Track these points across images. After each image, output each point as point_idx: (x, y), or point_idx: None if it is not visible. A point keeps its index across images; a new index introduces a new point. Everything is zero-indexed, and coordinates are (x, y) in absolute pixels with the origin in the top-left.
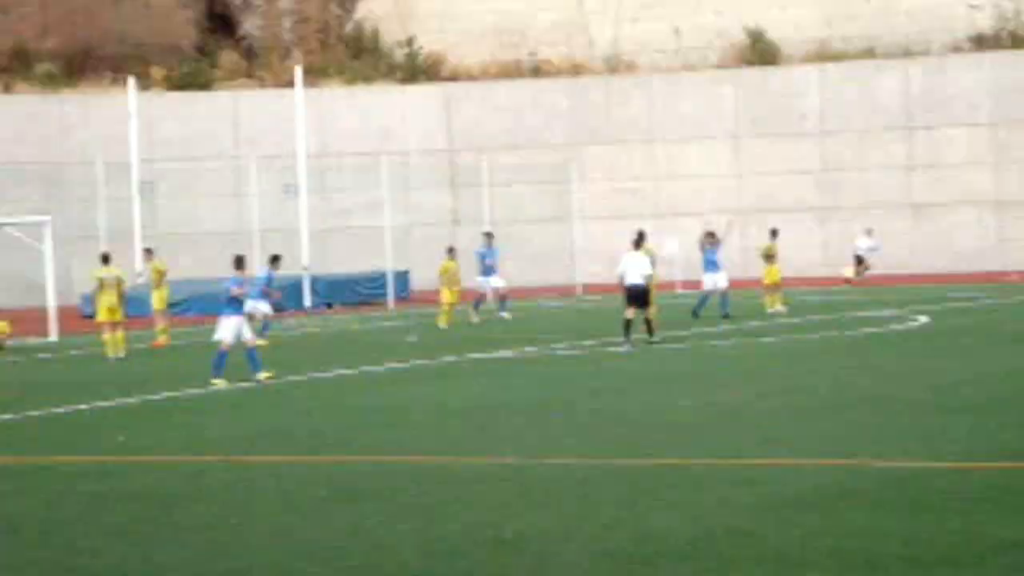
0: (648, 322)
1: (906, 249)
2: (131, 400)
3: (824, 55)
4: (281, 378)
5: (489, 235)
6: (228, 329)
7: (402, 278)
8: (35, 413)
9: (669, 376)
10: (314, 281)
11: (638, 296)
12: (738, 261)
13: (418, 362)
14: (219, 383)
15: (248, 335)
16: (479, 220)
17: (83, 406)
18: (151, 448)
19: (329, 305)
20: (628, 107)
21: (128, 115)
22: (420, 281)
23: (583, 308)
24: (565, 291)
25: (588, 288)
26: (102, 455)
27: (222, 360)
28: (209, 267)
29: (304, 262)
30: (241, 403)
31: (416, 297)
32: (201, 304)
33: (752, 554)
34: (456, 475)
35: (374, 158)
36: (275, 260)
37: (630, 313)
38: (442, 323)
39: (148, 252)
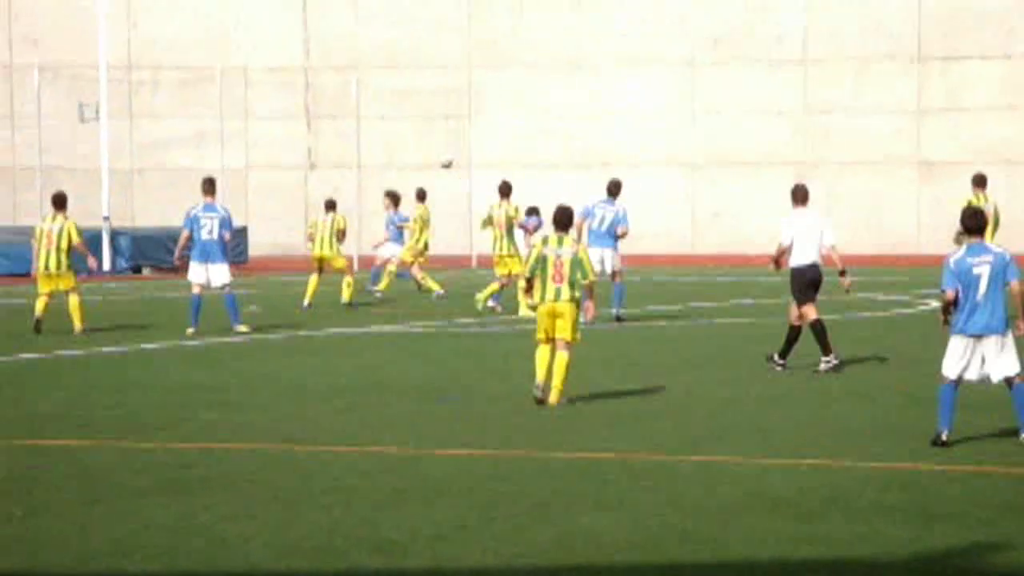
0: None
1: (912, 218)
2: None
3: None
4: (84, 349)
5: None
6: None
7: (238, 236)
8: None
9: (606, 360)
10: (116, 236)
11: (815, 284)
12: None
13: (266, 336)
14: None
15: None
16: (342, 163)
17: None
18: None
19: (136, 269)
20: (545, 18)
21: None
22: (261, 242)
23: (482, 281)
24: (457, 262)
25: (486, 259)
26: None
27: None
28: None
29: (104, 211)
30: (26, 378)
31: (257, 263)
32: None
33: (708, 561)
34: (319, 466)
35: (202, 74)
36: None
37: (813, 312)
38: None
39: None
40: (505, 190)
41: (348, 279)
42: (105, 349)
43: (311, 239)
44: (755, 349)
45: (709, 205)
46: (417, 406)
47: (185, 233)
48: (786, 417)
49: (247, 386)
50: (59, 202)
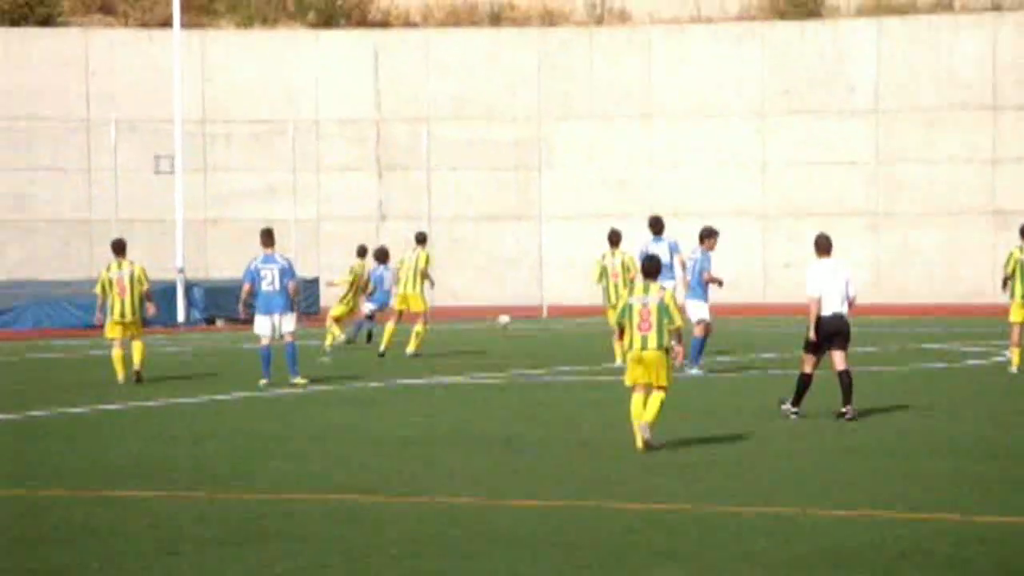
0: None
1: (987, 268)
2: None
3: (884, 6)
4: (159, 400)
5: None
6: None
7: (309, 287)
8: None
9: (679, 406)
10: (190, 288)
11: (836, 335)
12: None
13: (336, 387)
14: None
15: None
16: (412, 215)
17: None
18: None
19: (210, 320)
20: (617, 70)
21: None
22: (332, 293)
23: (553, 332)
24: (526, 312)
25: (556, 309)
26: None
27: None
28: (45, 265)
29: (178, 262)
30: (102, 429)
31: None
32: (35, 314)
33: None
34: (391, 516)
35: (275, 127)
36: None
37: (809, 365)
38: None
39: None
40: (615, 239)
41: (419, 328)
42: (179, 400)
43: (395, 278)
44: (826, 401)
45: (780, 255)
46: (488, 456)
47: (246, 286)
48: (860, 468)
49: (319, 437)
50: (120, 248)
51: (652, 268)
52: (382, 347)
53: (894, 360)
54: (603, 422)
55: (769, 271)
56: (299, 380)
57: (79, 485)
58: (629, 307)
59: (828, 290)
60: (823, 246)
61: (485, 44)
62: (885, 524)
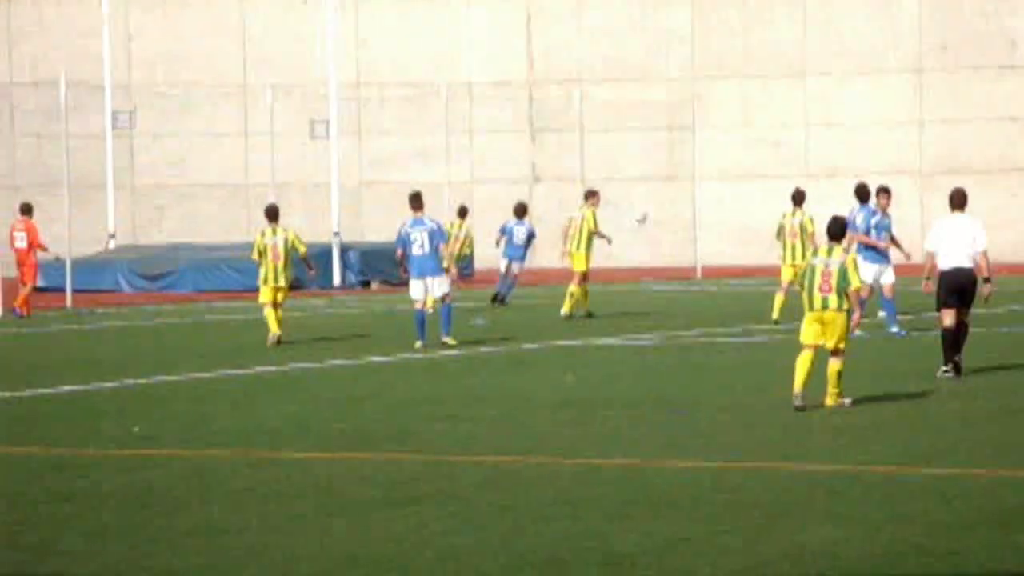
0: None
1: None
2: (111, 384)
3: None
4: (316, 363)
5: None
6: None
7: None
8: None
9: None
10: (346, 251)
11: (962, 290)
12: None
13: (490, 349)
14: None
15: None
16: (566, 176)
17: (49, 389)
18: (150, 440)
19: (365, 283)
20: (770, 28)
21: (100, 23)
22: (487, 255)
23: (707, 294)
24: (680, 273)
25: (710, 271)
26: (81, 447)
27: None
28: (203, 229)
29: (334, 226)
30: (261, 391)
31: (481, 276)
32: (194, 277)
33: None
34: (546, 478)
35: (428, 90)
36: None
37: (948, 319)
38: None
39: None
40: (798, 198)
41: (573, 288)
42: (336, 362)
43: (565, 236)
44: (987, 359)
45: (939, 213)
46: (642, 418)
47: (399, 252)
48: (1022, 430)
49: (473, 399)
50: (273, 214)
51: (836, 230)
52: (563, 309)
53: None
54: (757, 383)
55: (927, 230)
56: (449, 340)
57: (240, 446)
58: (812, 268)
59: (948, 246)
60: (956, 201)
61: (637, 4)
62: None
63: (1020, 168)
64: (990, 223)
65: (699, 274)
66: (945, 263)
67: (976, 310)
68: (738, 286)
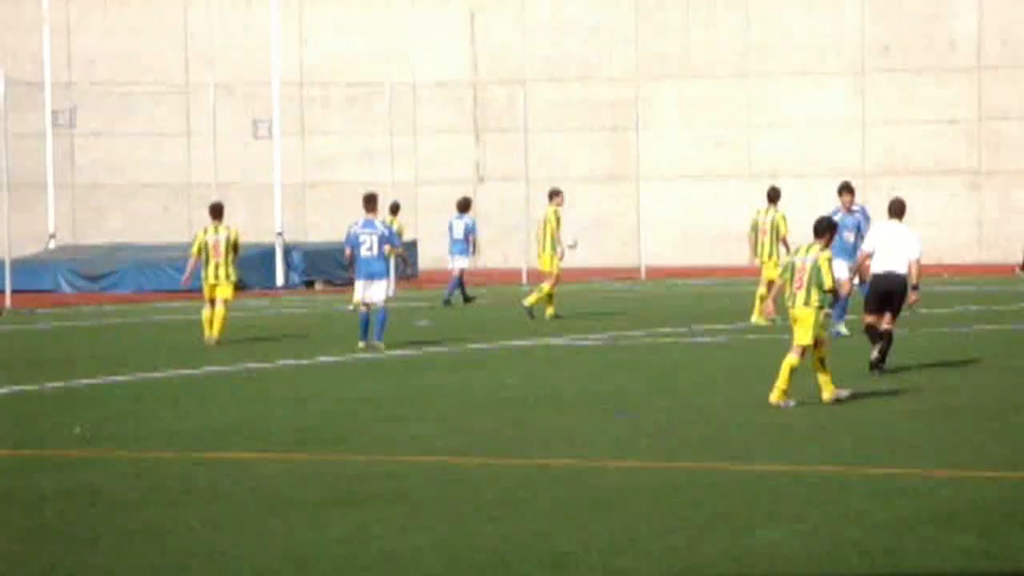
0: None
1: None
2: (52, 385)
3: None
4: (259, 363)
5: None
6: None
7: (407, 250)
8: None
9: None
10: (289, 251)
11: (890, 294)
12: None
13: (435, 349)
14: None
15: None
16: (510, 176)
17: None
18: (91, 440)
19: (309, 283)
20: (714, 29)
21: (40, 20)
22: (430, 255)
23: (652, 294)
24: (625, 273)
25: (654, 271)
26: (19, 448)
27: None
28: (145, 229)
29: (277, 226)
30: (204, 391)
31: (426, 277)
32: (136, 277)
33: (885, 575)
34: (491, 478)
35: (371, 90)
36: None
37: (872, 320)
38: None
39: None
40: (773, 196)
41: (545, 285)
42: (280, 363)
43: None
44: (929, 358)
45: (881, 214)
46: (586, 418)
47: (348, 251)
48: (962, 430)
49: (418, 399)
50: (218, 212)
51: (817, 227)
52: (549, 311)
53: (996, 319)
54: (701, 383)
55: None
56: (379, 344)
57: (182, 447)
58: (792, 264)
59: (883, 250)
60: (894, 209)
61: (581, 4)
62: (988, 484)
63: (961, 170)
64: (931, 224)
65: (643, 274)
66: (878, 267)
67: (921, 309)
68: (681, 286)
